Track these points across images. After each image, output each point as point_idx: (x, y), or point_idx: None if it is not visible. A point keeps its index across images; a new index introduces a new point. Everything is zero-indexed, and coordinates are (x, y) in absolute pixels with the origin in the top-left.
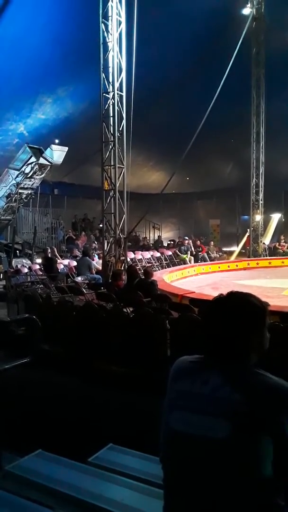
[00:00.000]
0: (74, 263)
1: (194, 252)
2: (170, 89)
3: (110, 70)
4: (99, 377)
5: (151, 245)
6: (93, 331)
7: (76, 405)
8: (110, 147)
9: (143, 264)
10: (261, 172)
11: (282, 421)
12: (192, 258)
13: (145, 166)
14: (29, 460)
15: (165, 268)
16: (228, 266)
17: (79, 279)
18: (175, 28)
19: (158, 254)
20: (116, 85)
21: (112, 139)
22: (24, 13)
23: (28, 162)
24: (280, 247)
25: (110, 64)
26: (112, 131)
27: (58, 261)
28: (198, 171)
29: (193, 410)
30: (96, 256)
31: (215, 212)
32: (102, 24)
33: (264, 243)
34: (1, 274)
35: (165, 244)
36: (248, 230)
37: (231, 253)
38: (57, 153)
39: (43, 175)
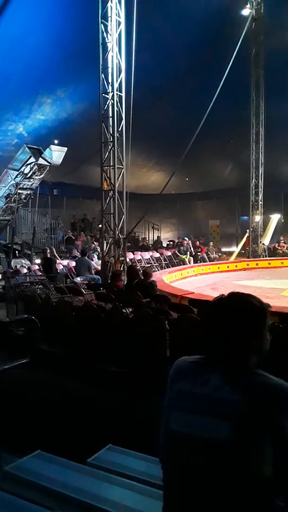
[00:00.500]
0: (73, 264)
1: (194, 253)
2: (169, 89)
3: (110, 70)
4: (98, 377)
5: (151, 245)
6: (92, 331)
7: (75, 406)
8: (110, 147)
9: (142, 265)
10: (260, 172)
11: (282, 421)
12: (192, 258)
13: (145, 167)
14: (28, 460)
15: (165, 268)
16: (228, 267)
17: (78, 279)
18: (174, 29)
19: (157, 255)
20: (116, 85)
21: (111, 140)
22: (23, 14)
23: (27, 162)
24: (279, 248)
25: (110, 65)
26: (111, 132)
27: (58, 261)
28: (198, 171)
29: (193, 411)
30: (96, 257)
31: (214, 213)
32: (102, 25)
33: (263, 244)
34: (0, 275)
35: (164, 245)
36: (248, 230)
37: (230, 253)
38: (56, 154)
39: (42, 176)
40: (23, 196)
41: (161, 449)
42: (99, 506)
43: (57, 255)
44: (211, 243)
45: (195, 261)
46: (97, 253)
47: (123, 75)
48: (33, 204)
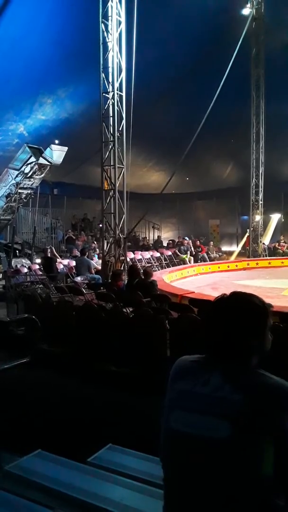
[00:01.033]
0: (74, 263)
1: (194, 252)
2: (170, 89)
3: (110, 70)
4: (99, 377)
5: (151, 245)
6: (93, 331)
7: (76, 405)
8: (110, 147)
9: (143, 264)
10: (260, 172)
11: (282, 421)
12: (192, 258)
13: (145, 166)
14: (29, 460)
15: (165, 268)
16: (228, 266)
17: (78, 279)
18: (175, 28)
19: (157, 254)
20: (116, 85)
21: (111, 139)
22: (24, 14)
23: (28, 162)
24: (279, 247)
25: (110, 64)
26: (111, 131)
27: (58, 260)
28: (198, 171)
29: (193, 410)
30: (96, 256)
31: (214, 212)
32: (102, 24)
33: (263, 243)
34: (1, 274)
35: (164, 244)
36: (248, 230)
37: (230, 253)
38: (56, 153)
39: (42, 175)
40: (24, 196)
41: (161, 448)
42: (100, 506)
43: (57, 255)
44: (212, 243)
45: (196, 261)
46: (97, 253)
47: (123, 74)
48: (34, 204)
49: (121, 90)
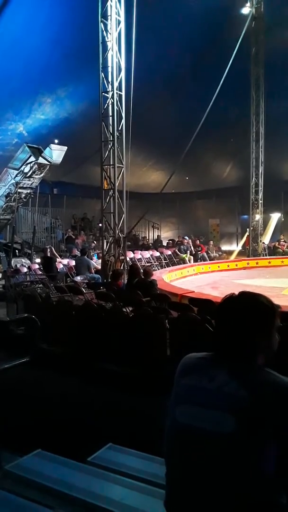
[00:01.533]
0: (73, 263)
1: (194, 252)
2: (169, 88)
3: (109, 69)
4: (98, 376)
5: (151, 244)
6: (93, 330)
7: (76, 405)
8: (109, 146)
9: (143, 264)
10: (260, 171)
11: (286, 419)
12: (192, 257)
13: (145, 166)
14: (29, 459)
15: (165, 267)
16: (228, 266)
17: (78, 278)
18: (174, 28)
19: (157, 254)
20: (115, 84)
21: (111, 139)
22: (23, 13)
23: (27, 161)
24: (279, 247)
25: (109, 64)
26: (111, 131)
27: (58, 260)
28: (198, 170)
29: (199, 404)
30: (95, 256)
31: (214, 212)
32: (101, 24)
33: (263, 243)
34: (1, 274)
35: (164, 244)
36: (248, 229)
37: (230, 252)
38: (56, 153)
39: (42, 175)
40: (23, 195)
41: (165, 442)
42: (99, 505)
43: (57, 254)
44: (211, 242)
45: (195, 260)
46: (96, 252)
47: (123, 74)
48: (33, 203)
49: (120, 90)
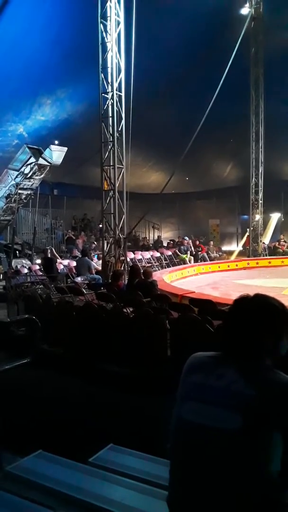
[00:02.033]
0: (74, 264)
1: (194, 252)
2: (169, 89)
3: (109, 70)
4: (99, 377)
5: (151, 245)
6: (93, 331)
7: (76, 405)
8: (109, 147)
9: (143, 264)
10: (260, 171)
11: None
12: (192, 258)
13: (144, 166)
14: (30, 460)
15: (165, 268)
16: (228, 266)
17: (78, 279)
18: (174, 28)
19: (157, 254)
20: (115, 85)
21: (111, 139)
22: (23, 14)
23: (28, 162)
24: (279, 247)
25: (109, 64)
26: (111, 131)
27: (58, 261)
28: (198, 171)
29: (206, 402)
30: (96, 257)
31: (214, 212)
32: (101, 25)
33: (263, 243)
34: (1, 275)
35: (164, 244)
36: (248, 229)
37: (230, 252)
38: (56, 154)
39: (42, 176)
40: (24, 196)
41: (170, 439)
42: (101, 506)
43: (57, 255)
44: (212, 242)
45: (196, 261)
46: (96, 253)
47: (122, 74)
48: (34, 204)
49: (120, 90)
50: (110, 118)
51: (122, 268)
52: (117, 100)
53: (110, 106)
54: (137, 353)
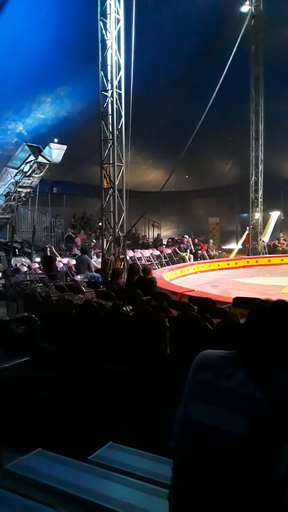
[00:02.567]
0: (73, 262)
1: (194, 250)
2: (168, 86)
3: (109, 68)
4: (99, 375)
5: (151, 243)
6: (93, 329)
7: (76, 403)
8: (109, 145)
9: (143, 263)
10: (260, 170)
11: None
12: (192, 256)
13: (144, 164)
14: (29, 458)
15: (165, 266)
16: (228, 264)
17: (78, 277)
18: (173, 26)
19: (157, 252)
20: (115, 83)
21: (111, 137)
22: (22, 12)
23: (27, 160)
24: (279, 245)
25: (109, 62)
26: (111, 129)
27: (58, 259)
28: (197, 169)
29: (214, 402)
30: (95, 255)
31: (214, 210)
32: (101, 22)
33: (263, 241)
34: (1, 273)
35: (164, 242)
36: (248, 228)
37: (230, 251)
38: (56, 152)
39: (42, 174)
40: (23, 194)
41: (174, 437)
42: (100, 504)
43: (57, 253)
44: (211, 241)
45: (195, 259)
46: (96, 251)
47: (122, 72)
48: (33, 202)
49: (120, 88)
50: (110, 116)
51: (121, 267)
52: (117, 98)
53: (109, 104)
54: (136, 351)
